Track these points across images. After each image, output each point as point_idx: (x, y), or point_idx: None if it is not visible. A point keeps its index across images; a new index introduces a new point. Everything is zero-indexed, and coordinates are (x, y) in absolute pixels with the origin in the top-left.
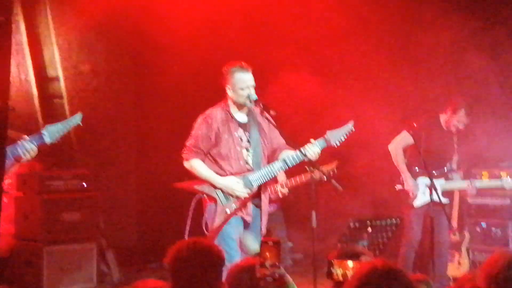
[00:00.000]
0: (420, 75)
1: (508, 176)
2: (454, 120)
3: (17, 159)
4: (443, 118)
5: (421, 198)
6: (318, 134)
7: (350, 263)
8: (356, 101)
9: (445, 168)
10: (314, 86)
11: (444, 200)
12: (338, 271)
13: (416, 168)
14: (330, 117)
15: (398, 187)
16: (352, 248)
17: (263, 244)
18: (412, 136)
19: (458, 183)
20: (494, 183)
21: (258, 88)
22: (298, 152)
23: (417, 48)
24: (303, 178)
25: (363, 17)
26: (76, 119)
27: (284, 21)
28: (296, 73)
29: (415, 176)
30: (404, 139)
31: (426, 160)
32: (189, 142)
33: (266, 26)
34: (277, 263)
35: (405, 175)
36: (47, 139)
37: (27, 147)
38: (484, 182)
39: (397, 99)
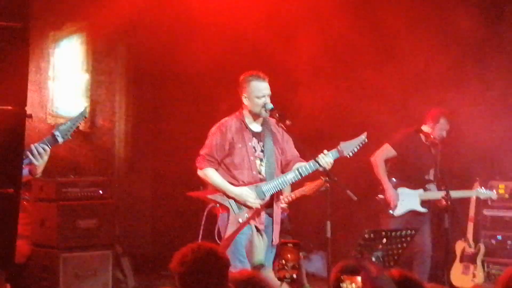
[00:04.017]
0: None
1: (482, 187)
2: (437, 129)
3: (31, 169)
4: (424, 130)
5: (401, 207)
6: (337, 139)
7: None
8: (377, 109)
9: (423, 179)
10: (336, 92)
11: (423, 210)
12: (349, 286)
13: (394, 179)
14: (350, 124)
15: (380, 196)
16: (355, 263)
17: (283, 246)
18: (394, 148)
19: (435, 193)
20: (468, 193)
21: (280, 95)
22: (311, 162)
23: (446, 56)
24: (305, 190)
25: (387, 24)
26: (82, 114)
27: (307, 26)
28: (319, 80)
29: (394, 187)
30: (386, 151)
31: (406, 172)
32: (203, 151)
33: (289, 32)
34: (296, 265)
35: (387, 186)
36: (60, 139)
37: (39, 150)
38: (459, 192)
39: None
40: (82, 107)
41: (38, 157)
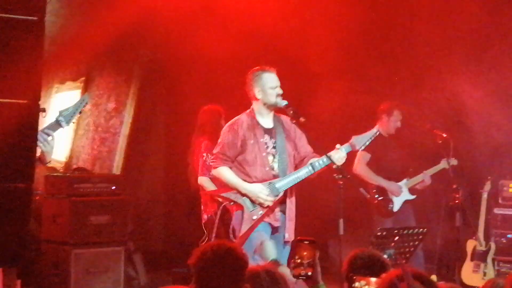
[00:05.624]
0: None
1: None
2: (391, 122)
3: (41, 157)
4: (381, 124)
5: (397, 201)
6: (351, 135)
7: (372, 279)
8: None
9: (400, 169)
10: (351, 88)
11: (413, 196)
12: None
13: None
14: (365, 120)
15: (379, 198)
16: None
17: (298, 243)
18: (367, 151)
19: (416, 178)
20: (438, 166)
21: (294, 91)
22: (324, 156)
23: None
24: None
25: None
26: (85, 100)
27: (323, 25)
28: (334, 75)
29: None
30: (362, 157)
31: (385, 168)
32: (217, 150)
33: (304, 27)
34: (312, 263)
35: (385, 183)
36: (64, 124)
37: (44, 137)
38: (432, 168)
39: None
40: (86, 95)
41: (45, 143)
